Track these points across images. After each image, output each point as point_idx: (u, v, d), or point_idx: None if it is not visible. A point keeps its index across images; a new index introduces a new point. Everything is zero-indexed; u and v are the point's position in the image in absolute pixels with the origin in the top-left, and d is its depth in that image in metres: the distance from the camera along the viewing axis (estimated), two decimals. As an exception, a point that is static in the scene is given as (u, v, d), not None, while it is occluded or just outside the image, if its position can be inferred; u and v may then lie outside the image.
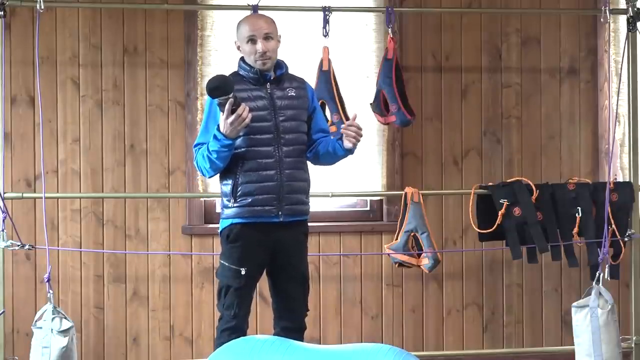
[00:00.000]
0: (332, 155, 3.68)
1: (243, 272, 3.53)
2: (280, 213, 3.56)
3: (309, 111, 3.71)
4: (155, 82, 4.68)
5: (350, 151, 3.62)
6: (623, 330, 4.48)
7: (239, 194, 3.55)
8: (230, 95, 3.39)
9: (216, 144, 3.46)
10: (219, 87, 3.41)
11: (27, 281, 4.58)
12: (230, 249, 3.58)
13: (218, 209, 4.37)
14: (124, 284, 4.66)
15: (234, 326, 3.56)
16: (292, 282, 3.65)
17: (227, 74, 3.58)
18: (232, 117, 3.40)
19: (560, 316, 4.94)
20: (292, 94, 3.65)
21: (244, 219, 3.55)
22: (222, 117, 3.42)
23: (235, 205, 3.56)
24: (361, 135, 3.58)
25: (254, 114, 3.50)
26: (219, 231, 3.67)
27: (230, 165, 3.55)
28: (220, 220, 3.65)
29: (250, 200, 3.54)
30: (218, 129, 3.45)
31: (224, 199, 3.61)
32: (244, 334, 3.56)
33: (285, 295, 3.66)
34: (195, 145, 3.62)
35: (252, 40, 3.58)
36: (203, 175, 3.65)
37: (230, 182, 3.57)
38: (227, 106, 3.39)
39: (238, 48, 3.67)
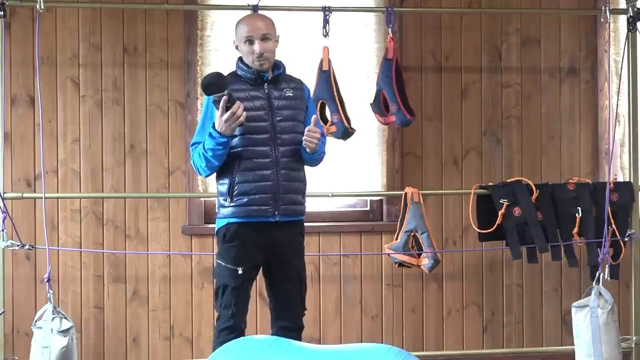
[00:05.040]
0: (304, 158, 3.68)
1: (240, 272, 3.54)
2: (276, 213, 3.57)
3: (305, 111, 3.72)
4: (155, 82, 4.68)
5: (314, 153, 3.61)
6: (623, 330, 4.48)
7: (235, 193, 3.56)
8: (225, 92, 3.40)
9: (211, 142, 3.48)
10: (214, 84, 3.42)
11: (27, 281, 4.58)
12: (226, 249, 3.59)
13: (218, 209, 4.38)
14: (124, 284, 4.66)
15: (232, 325, 3.57)
16: (289, 281, 3.66)
17: (225, 73, 3.59)
18: (227, 115, 3.41)
19: (560, 316, 4.94)
20: (290, 94, 3.65)
21: (240, 219, 3.56)
22: (217, 114, 3.43)
23: (231, 204, 3.56)
24: (314, 137, 3.53)
25: (251, 113, 3.52)
26: (215, 230, 3.68)
27: (227, 165, 3.57)
28: (217, 219, 3.66)
29: (246, 199, 3.55)
30: (214, 127, 3.46)
31: (221, 199, 3.61)
32: (242, 333, 3.57)
33: (282, 295, 3.67)
34: (192, 145, 3.64)
35: (249, 40, 3.59)
36: (199, 174, 3.66)
37: (226, 181, 3.58)
38: (221, 103, 3.40)
39: (236, 48, 3.68)
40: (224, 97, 3.40)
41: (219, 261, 3.62)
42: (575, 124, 5.01)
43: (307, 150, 3.57)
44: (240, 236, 3.57)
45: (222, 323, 3.59)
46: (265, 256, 3.62)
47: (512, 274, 4.93)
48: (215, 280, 3.66)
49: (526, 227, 4.33)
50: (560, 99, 5.01)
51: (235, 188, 3.56)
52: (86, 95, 4.64)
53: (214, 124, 3.47)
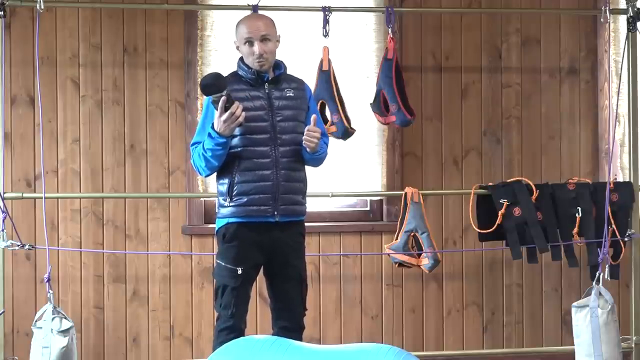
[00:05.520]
0: (305, 158, 3.67)
1: (239, 272, 3.54)
2: (275, 213, 3.57)
3: (306, 112, 3.72)
4: (155, 82, 4.68)
5: (315, 153, 3.60)
6: (623, 330, 4.47)
7: (234, 193, 3.56)
8: (224, 93, 3.40)
9: (211, 142, 3.48)
10: (212, 85, 3.43)
11: (27, 281, 4.58)
12: (226, 249, 3.59)
13: (218, 209, 4.37)
14: (124, 284, 4.66)
15: (231, 325, 3.57)
16: (290, 282, 3.66)
17: (225, 73, 3.59)
18: (226, 115, 3.42)
19: (560, 316, 4.94)
20: (290, 94, 3.65)
21: (239, 219, 3.56)
22: (216, 114, 3.44)
23: (231, 204, 3.57)
24: (314, 137, 3.53)
25: (252, 113, 3.52)
26: (215, 230, 3.68)
27: (226, 165, 3.57)
28: (217, 219, 3.66)
29: (245, 199, 3.55)
30: (213, 127, 3.46)
31: (220, 198, 3.62)
32: (242, 333, 3.57)
33: (283, 295, 3.67)
34: (192, 145, 3.64)
35: (249, 42, 3.59)
36: (199, 174, 3.67)
37: (226, 181, 3.58)
38: (220, 104, 3.40)
39: (237, 48, 3.68)
40: (223, 98, 3.40)
41: (218, 261, 3.62)
42: (575, 124, 5.01)
43: (307, 150, 3.57)
44: (239, 236, 3.57)
45: (221, 323, 3.59)
46: (266, 256, 3.62)
47: (512, 274, 4.93)
48: (215, 280, 3.66)
49: (526, 227, 4.32)
50: (560, 99, 5.00)
51: (235, 188, 3.56)
52: (86, 95, 4.64)
53: (213, 124, 3.48)
